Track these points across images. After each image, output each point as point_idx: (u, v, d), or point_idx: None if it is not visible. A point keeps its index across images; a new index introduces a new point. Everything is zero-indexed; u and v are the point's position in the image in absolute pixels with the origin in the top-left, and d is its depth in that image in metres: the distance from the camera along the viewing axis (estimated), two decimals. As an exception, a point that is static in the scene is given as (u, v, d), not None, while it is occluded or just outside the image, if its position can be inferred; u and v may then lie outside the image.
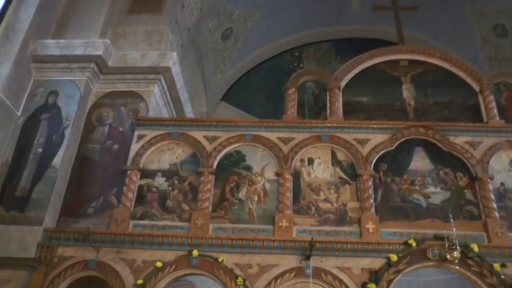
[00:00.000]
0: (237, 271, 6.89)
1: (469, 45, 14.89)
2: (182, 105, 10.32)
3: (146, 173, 7.96)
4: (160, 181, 7.89)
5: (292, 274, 6.83)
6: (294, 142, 8.08)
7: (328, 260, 6.93)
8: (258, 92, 16.58)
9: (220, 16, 13.13)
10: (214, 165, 7.92)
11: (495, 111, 8.58)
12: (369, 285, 6.64)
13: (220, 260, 6.95)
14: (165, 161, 8.11)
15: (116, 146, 8.35)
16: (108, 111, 8.81)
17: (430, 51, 9.60)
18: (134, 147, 8.20)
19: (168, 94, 9.79)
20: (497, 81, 9.07)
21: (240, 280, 6.75)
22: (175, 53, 9.54)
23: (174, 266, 6.98)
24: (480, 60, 14.45)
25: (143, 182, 7.88)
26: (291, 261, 6.94)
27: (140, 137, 8.34)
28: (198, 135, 8.27)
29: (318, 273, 6.81)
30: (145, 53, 9.43)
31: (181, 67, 10.08)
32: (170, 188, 7.79)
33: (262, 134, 8.18)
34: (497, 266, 6.75)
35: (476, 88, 8.98)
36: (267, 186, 7.73)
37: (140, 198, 7.72)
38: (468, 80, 9.12)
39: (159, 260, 6.99)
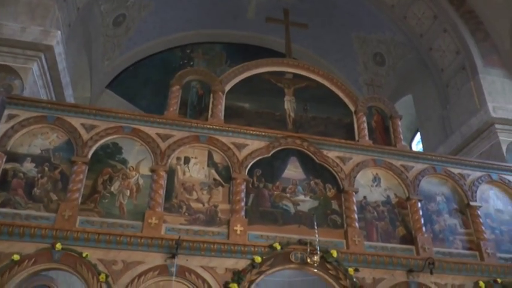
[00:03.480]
0: (101, 267, 6.64)
1: (352, 68, 16.05)
2: (63, 88, 9.80)
3: (13, 157, 7.31)
4: (28, 167, 7.30)
5: (156, 272, 6.75)
6: (172, 140, 8.03)
7: (194, 259, 6.98)
8: (145, 84, 16.29)
9: (114, 1, 12.63)
10: (89, 155, 7.58)
11: (366, 131, 9.39)
12: (231, 285, 6.83)
13: (84, 254, 6.62)
14: (37, 146, 7.53)
15: (-20, 124, 7.61)
16: (-24, 85, 8.08)
17: (314, 68, 10.17)
18: (2, 127, 7.50)
19: (48, 74, 9.24)
20: (370, 104, 9.94)
21: (102, 276, 6.51)
22: (59, 32, 9.05)
23: (33, 260, 6.48)
24: (360, 84, 15.64)
25: (9, 166, 7.22)
26: (156, 259, 6.87)
27: (11, 116, 7.65)
28: (76, 122, 7.84)
29: (182, 271, 6.83)
30: (27, 26, 8.87)
31: (65, 48, 9.56)
32: (39, 175, 7.24)
33: (142, 128, 8.02)
34: (351, 270, 7.42)
35: (352, 108, 9.73)
36: (141, 181, 7.57)
37: (3, 184, 7.04)
38: (346, 100, 9.85)
39: (17, 253, 6.42)
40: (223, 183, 7.88)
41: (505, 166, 9.72)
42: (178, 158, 7.94)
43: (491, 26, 12.37)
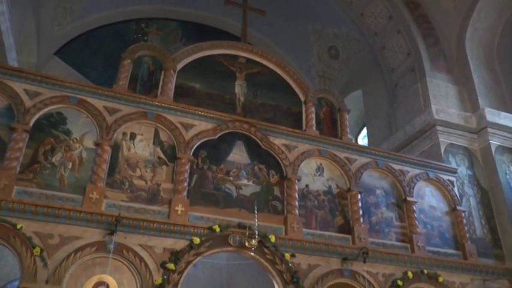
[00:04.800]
0: (36, 240, 6.40)
1: (306, 59, 16.22)
2: (5, 50, 9.34)
3: None
4: (-39, 131, 6.86)
5: (94, 248, 6.61)
6: (119, 114, 7.86)
7: (133, 237, 6.90)
8: (96, 55, 15.73)
9: (66, -36, 12.13)
10: (31, 123, 7.24)
11: (313, 122, 9.56)
12: (167, 265, 6.82)
13: (19, 226, 6.34)
14: (-28, 110, 7.09)
15: None
16: None
17: (268, 55, 10.20)
18: None
19: (-12, 34, 8.78)
20: (320, 96, 10.10)
21: (37, 250, 6.28)
22: (3, -10, 8.60)
23: (-39, 230, 6.15)
24: (313, 75, 15.84)
25: None
26: (94, 234, 6.72)
27: None
28: (18, 87, 7.45)
29: (120, 249, 6.73)
30: (-39, -21, 8.35)
31: (10, 7, 9.04)
32: (-26, 141, 6.84)
33: (89, 99, 7.78)
34: (287, 256, 7.60)
35: (302, 98, 9.86)
36: (84, 154, 7.37)
37: None
38: (296, 89, 9.96)
39: None
40: (168, 162, 7.82)
41: (442, 166, 10.22)
42: (124, 133, 7.79)
43: (441, 32, 12.85)
